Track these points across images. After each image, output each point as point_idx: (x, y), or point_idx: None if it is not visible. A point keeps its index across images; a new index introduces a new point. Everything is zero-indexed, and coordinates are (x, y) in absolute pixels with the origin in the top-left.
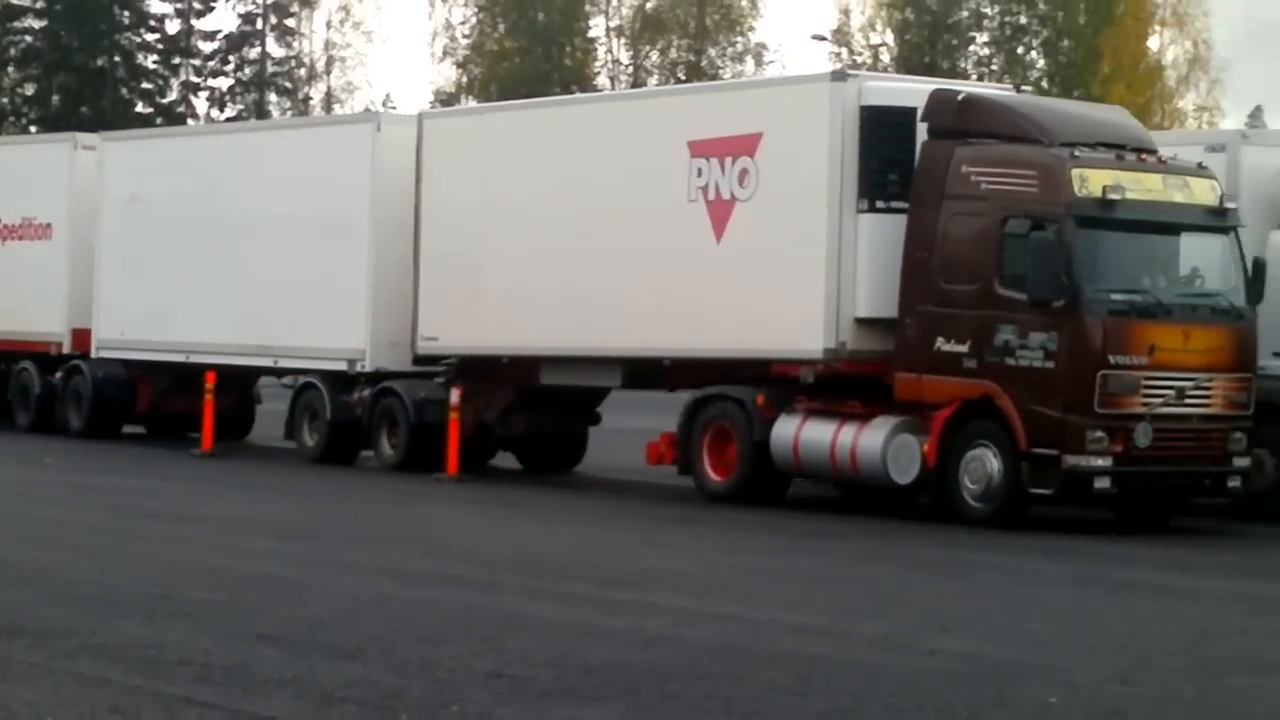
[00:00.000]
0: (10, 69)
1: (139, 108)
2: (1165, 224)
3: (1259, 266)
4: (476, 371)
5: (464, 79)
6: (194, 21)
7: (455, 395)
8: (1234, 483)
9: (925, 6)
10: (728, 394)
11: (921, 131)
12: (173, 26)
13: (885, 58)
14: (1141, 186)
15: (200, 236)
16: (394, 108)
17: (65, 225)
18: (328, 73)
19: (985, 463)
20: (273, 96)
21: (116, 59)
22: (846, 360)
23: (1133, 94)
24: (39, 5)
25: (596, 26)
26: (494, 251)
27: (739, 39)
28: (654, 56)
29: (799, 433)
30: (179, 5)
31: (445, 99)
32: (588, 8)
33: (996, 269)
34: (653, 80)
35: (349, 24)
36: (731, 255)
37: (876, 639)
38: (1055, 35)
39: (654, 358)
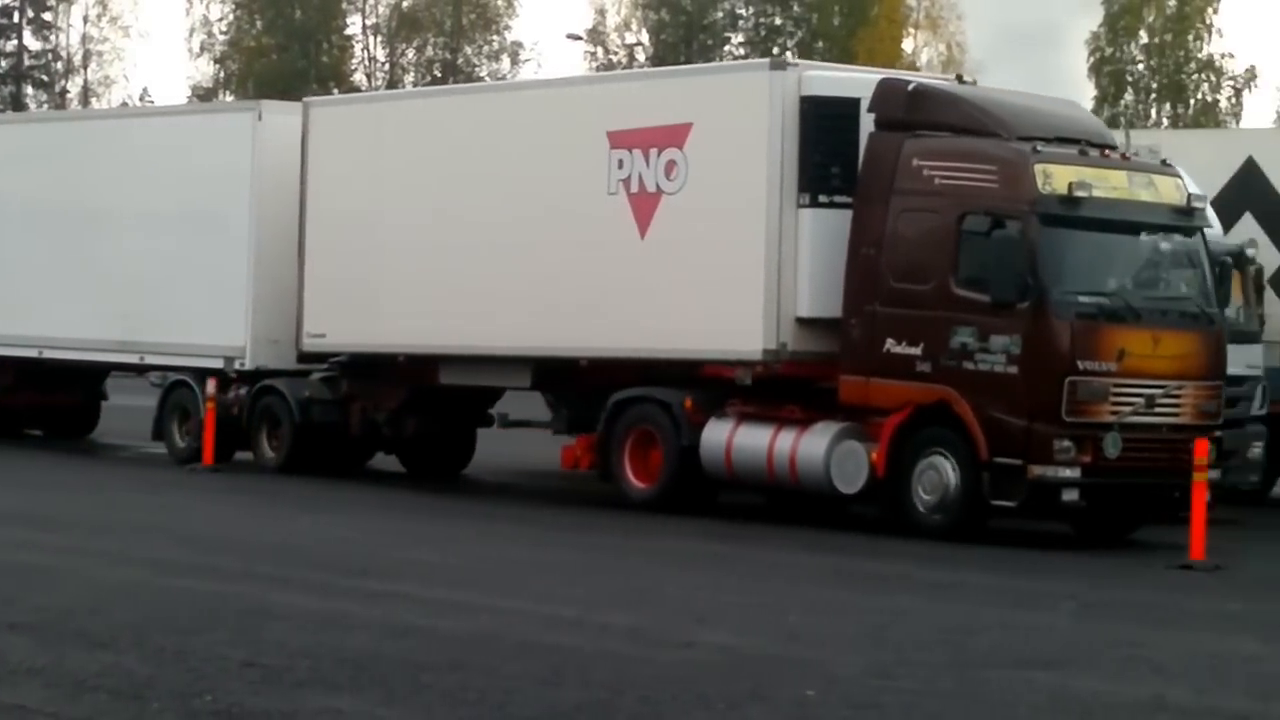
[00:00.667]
0: None
1: None
2: (1132, 223)
3: (1224, 269)
4: (366, 370)
5: (221, 75)
6: None
7: (211, 385)
8: None
9: (680, 7)
10: (652, 396)
11: (866, 123)
12: None
13: (641, 57)
14: (1107, 184)
15: (57, 228)
16: (151, 101)
17: None
18: (85, 67)
19: (941, 472)
20: (29, 90)
21: None
22: (787, 362)
23: None
24: None
25: (353, 24)
26: (389, 245)
27: (495, 37)
28: (410, 54)
29: (732, 438)
30: None
31: (202, 95)
32: (344, 5)
33: (953, 268)
34: (409, 78)
35: (106, 19)
36: (657, 251)
37: (631, 631)
38: (810, 37)
39: (569, 357)
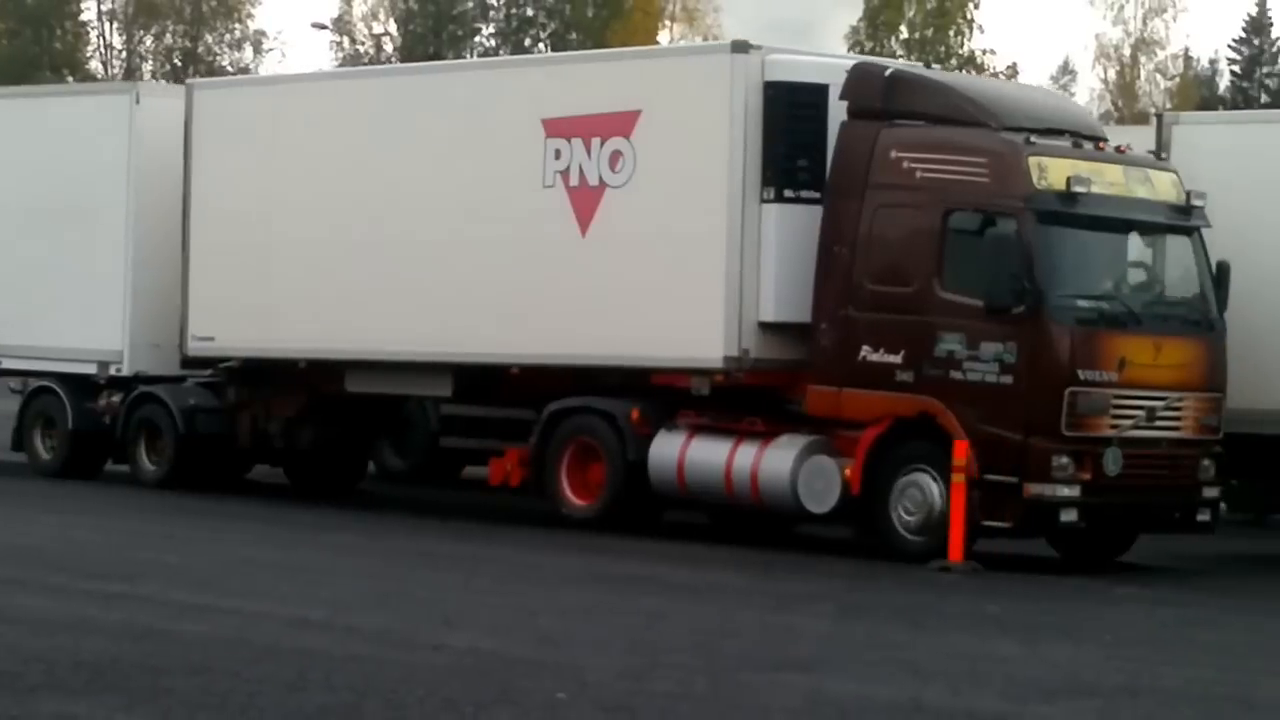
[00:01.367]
0: None
1: None
2: (1130, 222)
3: (1223, 271)
4: (258, 377)
5: None
6: None
7: None
8: (1204, 515)
9: None
10: (593, 407)
11: (836, 111)
12: None
13: (389, 48)
14: (1104, 179)
15: None
16: None
17: None
18: None
19: (925, 490)
20: None
21: None
22: (749, 370)
23: None
24: None
25: (88, 10)
26: (288, 241)
27: (237, 26)
28: (149, 42)
29: (685, 452)
30: None
31: None
32: None
33: (937, 269)
34: (147, 67)
35: None
36: (600, 249)
37: (379, 633)
38: (563, 28)
39: (497, 364)
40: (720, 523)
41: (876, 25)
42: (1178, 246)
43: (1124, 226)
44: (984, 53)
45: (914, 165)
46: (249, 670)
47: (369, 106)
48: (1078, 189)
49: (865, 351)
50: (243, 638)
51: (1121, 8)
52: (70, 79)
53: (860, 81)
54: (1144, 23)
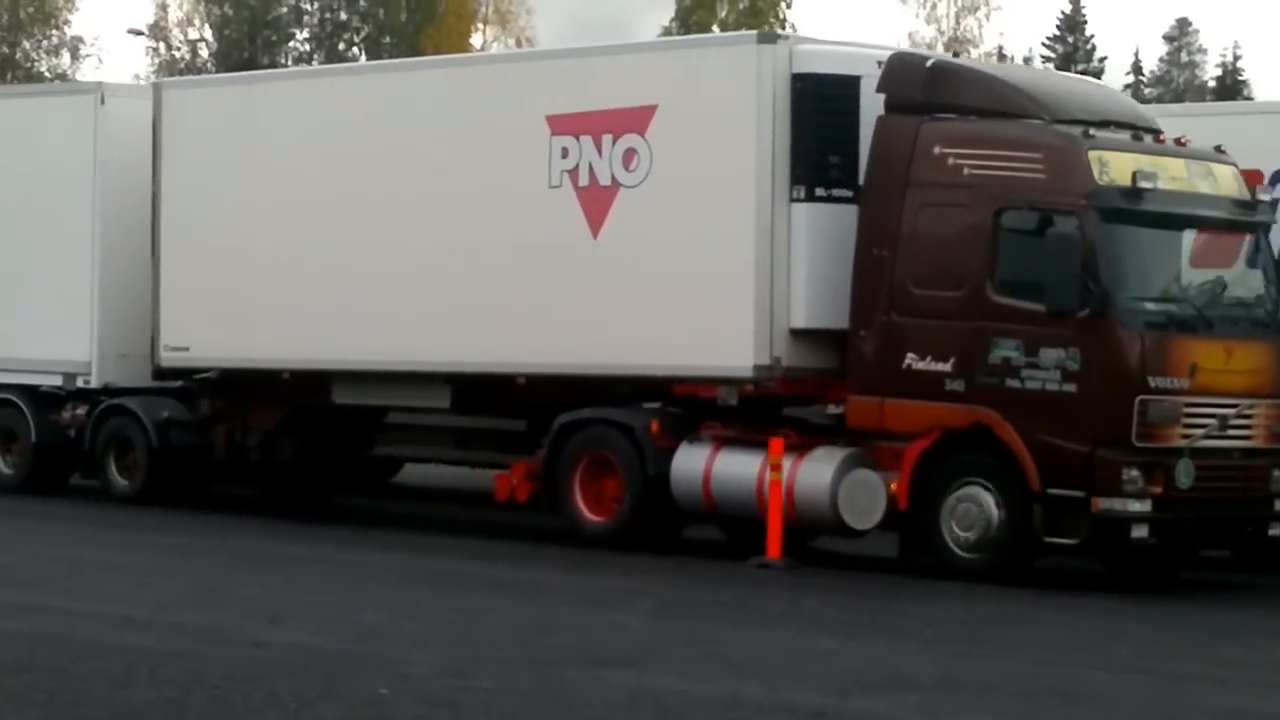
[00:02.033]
0: None
1: None
2: (1195, 218)
3: None
4: (235, 387)
5: None
6: None
7: None
8: (1276, 530)
9: (243, 2)
10: (609, 418)
11: (869, 105)
12: None
13: (204, 53)
14: (1166, 174)
15: None
16: None
17: None
18: None
19: (981, 505)
20: None
21: None
22: (781, 379)
23: None
24: None
25: None
26: (267, 246)
27: (54, 32)
28: None
29: (711, 466)
30: None
31: None
32: None
33: (989, 271)
34: None
35: None
36: (614, 252)
37: (202, 630)
38: (377, 32)
39: (502, 374)
40: (736, 538)
41: (689, 26)
42: (1242, 243)
43: (1187, 223)
44: None
45: (960, 161)
46: (75, 667)
47: (355, 104)
48: (1144, 184)
49: (910, 359)
50: (68, 636)
51: (934, 6)
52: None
53: (899, 73)
54: (957, 21)
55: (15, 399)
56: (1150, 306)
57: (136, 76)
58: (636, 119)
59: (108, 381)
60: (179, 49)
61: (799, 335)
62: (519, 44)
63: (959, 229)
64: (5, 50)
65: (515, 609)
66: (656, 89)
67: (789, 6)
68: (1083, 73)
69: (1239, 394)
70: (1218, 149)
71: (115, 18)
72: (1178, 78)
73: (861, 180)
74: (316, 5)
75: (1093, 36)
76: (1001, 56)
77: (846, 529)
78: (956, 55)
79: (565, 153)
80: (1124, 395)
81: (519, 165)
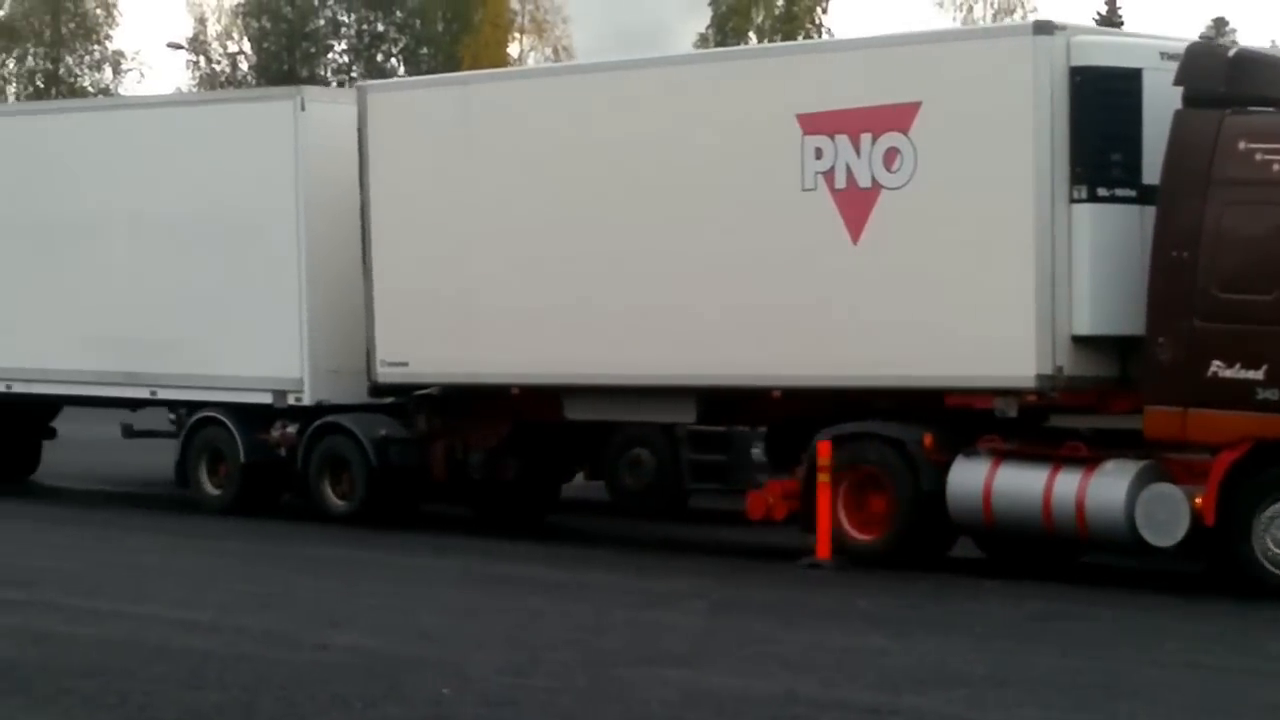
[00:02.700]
0: None
1: None
2: None
3: None
4: (454, 403)
5: None
6: None
7: None
8: None
9: (282, 15)
10: (876, 432)
11: (1153, 99)
12: None
13: (244, 66)
14: None
15: (28, 240)
16: None
17: None
18: None
19: None
20: None
21: None
22: (1064, 389)
23: None
24: None
25: None
26: (493, 255)
27: (96, 47)
28: (11, 65)
29: (991, 480)
30: None
31: None
32: None
33: None
34: (11, 90)
35: None
36: (878, 257)
37: (266, 634)
38: (414, 43)
39: (754, 386)
40: (996, 554)
41: (725, 32)
42: None
43: None
44: None
45: (1269, 157)
46: (144, 670)
47: (584, 105)
48: None
49: (1216, 367)
50: (135, 640)
51: (970, 8)
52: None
53: (1199, 64)
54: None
55: (222, 418)
56: None
57: (178, 89)
58: (899, 116)
59: (321, 398)
60: (219, 62)
61: (1081, 342)
62: (555, 53)
63: (1269, 229)
64: (49, 66)
65: (572, 610)
66: (921, 84)
67: (824, 11)
68: None
69: None
70: None
71: (155, 32)
72: None
73: (1150, 178)
74: (354, 17)
75: None
76: None
77: (1144, 546)
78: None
79: (819, 153)
80: None
81: (768, 167)
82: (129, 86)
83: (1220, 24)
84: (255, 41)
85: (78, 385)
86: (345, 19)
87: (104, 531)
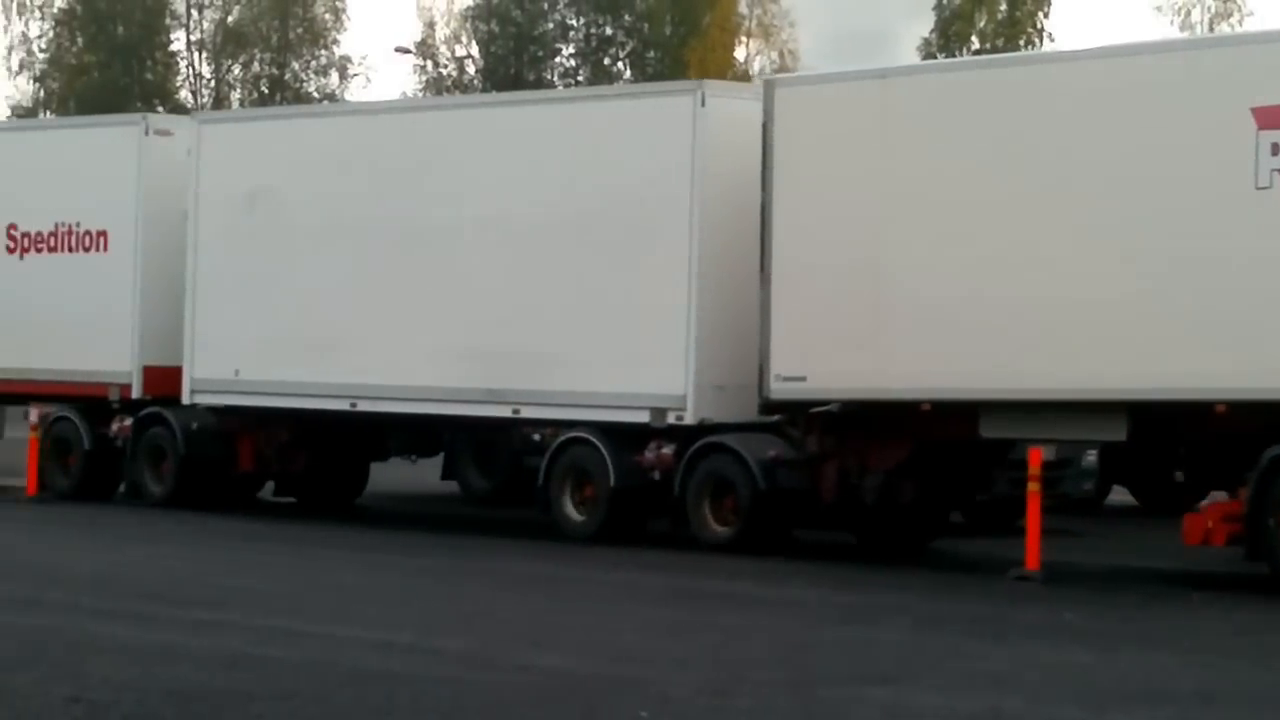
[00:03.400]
0: None
1: None
2: None
3: None
4: (849, 421)
5: (41, 93)
6: None
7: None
8: None
9: (510, 19)
10: None
11: None
12: None
13: (471, 70)
14: None
15: (376, 246)
16: None
17: (130, 233)
18: None
19: None
20: None
21: None
22: None
23: None
24: None
25: (177, 40)
26: (909, 262)
27: (323, 52)
28: (237, 71)
29: None
30: None
31: (23, 113)
32: (168, 21)
33: None
34: (235, 95)
35: None
36: None
37: (464, 655)
38: (642, 46)
39: (1196, 400)
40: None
41: (948, 36)
42: None
43: None
44: None
45: None
46: (337, 694)
47: (1013, 100)
48: None
49: None
50: (329, 661)
51: (1189, 13)
52: (160, 109)
53: None
54: (1210, 28)
55: (591, 437)
56: None
57: (404, 93)
58: None
59: (703, 416)
60: (446, 66)
61: None
62: (781, 58)
63: None
64: (275, 72)
65: (774, 627)
66: None
67: (1046, 16)
68: None
69: None
70: None
71: (382, 37)
72: None
73: None
74: (582, 21)
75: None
76: None
77: None
78: None
79: (1276, 149)
80: None
81: (1215, 164)
82: (354, 92)
83: None
84: (483, 45)
85: (432, 404)
86: (574, 23)
87: (303, 550)
